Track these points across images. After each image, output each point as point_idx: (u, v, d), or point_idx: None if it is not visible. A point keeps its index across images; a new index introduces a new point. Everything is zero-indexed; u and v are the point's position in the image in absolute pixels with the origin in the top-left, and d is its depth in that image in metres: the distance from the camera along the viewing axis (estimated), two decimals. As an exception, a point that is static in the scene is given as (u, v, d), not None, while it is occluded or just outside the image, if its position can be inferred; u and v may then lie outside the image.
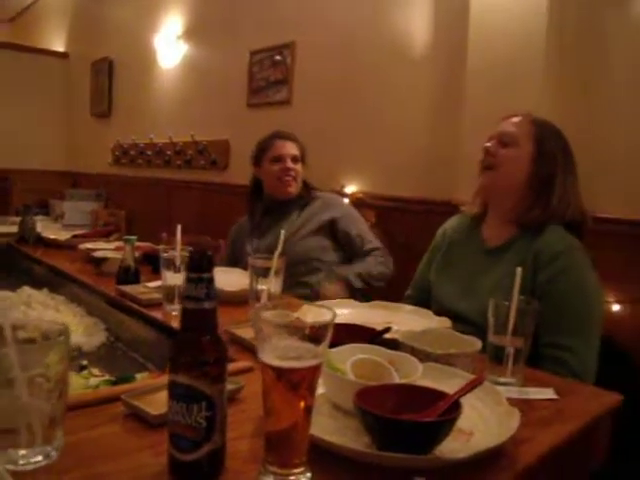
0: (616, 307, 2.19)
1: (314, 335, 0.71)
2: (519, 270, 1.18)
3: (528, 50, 2.40)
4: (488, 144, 1.67)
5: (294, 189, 2.46)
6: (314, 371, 0.72)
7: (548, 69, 2.40)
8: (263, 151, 2.51)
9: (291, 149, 2.47)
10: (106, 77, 6.02)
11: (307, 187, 2.53)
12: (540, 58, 2.38)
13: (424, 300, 1.82)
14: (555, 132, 1.65)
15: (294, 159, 2.46)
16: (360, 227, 2.43)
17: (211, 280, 0.75)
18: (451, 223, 1.89)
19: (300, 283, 2.28)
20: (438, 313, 1.67)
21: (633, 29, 2.25)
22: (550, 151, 1.60)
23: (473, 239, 1.75)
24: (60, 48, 6.95)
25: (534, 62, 2.39)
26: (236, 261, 2.49)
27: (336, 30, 3.49)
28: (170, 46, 4.93)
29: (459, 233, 1.81)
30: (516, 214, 1.63)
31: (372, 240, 2.40)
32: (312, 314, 0.78)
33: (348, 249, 2.39)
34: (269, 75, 3.96)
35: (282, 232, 1.59)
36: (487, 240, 1.71)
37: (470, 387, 0.86)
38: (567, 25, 2.41)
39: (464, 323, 1.56)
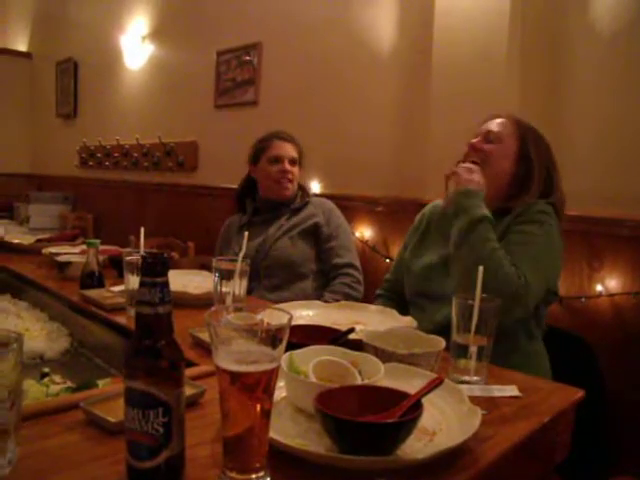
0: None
1: (270, 338, 0.71)
2: (481, 269, 1.19)
3: (491, 49, 2.44)
4: (474, 140, 1.71)
5: (290, 192, 2.40)
6: (270, 374, 0.71)
7: (511, 68, 2.43)
8: (261, 150, 2.44)
9: (290, 151, 2.42)
10: (71, 78, 5.93)
11: (303, 191, 2.47)
12: (503, 57, 2.42)
13: (402, 283, 1.86)
14: (537, 136, 1.71)
15: (292, 161, 2.41)
16: (341, 238, 2.35)
17: (165, 284, 0.73)
18: (430, 207, 1.92)
19: (285, 287, 2.25)
20: (410, 291, 1.78)
21: (594, 28, 2.29)
22: (530, 152, 1.66)
23: (449, 222, 1.74)
24: (23, 48, 6.82)
25: (497, 61, 2.43)
26: None
27: (302, 30, 3.49)
28: (136, 47, 4.88)
29: (437, 215, 1.84)
30: (493, 205, 1.66)
31: (346, 255, 2.32)
32: (270, 317, 0.77)
33: (324, 258, 2.34)
34: (236, 76, 3.95)
35: (245, 234, 1.58)
36: None
37: (430, 387, 0.86)
38: (529, 24, 2.45)
39: (434, 299, 1.66)
